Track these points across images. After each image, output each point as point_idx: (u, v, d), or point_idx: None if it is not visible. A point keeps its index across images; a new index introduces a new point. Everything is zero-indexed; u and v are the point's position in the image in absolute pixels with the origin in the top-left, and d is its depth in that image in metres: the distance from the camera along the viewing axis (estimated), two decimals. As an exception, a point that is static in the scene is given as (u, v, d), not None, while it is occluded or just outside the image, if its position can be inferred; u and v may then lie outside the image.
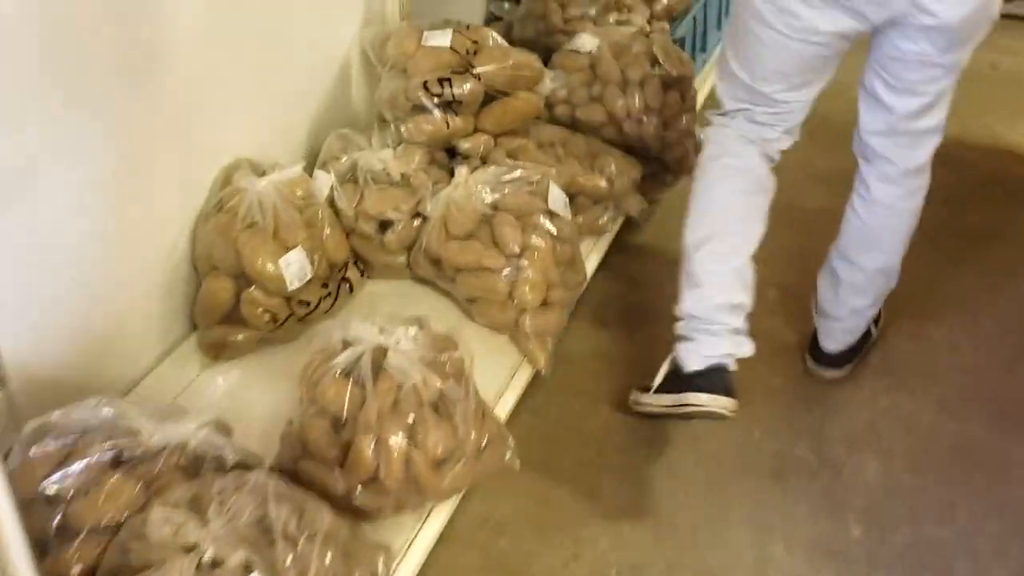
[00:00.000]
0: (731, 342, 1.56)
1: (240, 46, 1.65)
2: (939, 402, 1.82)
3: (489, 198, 1.66)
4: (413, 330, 1.28)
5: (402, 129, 1.75)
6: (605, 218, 1.91)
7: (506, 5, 2.48)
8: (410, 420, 1.22)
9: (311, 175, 1.75)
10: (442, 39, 1.79)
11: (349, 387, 1.23)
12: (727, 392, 1.52)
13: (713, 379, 1.53)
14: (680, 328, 1.59)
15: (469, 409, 1.28)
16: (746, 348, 1.58)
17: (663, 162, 2.01)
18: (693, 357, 1.55)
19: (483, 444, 1.33)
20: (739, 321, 1.58)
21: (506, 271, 1.60)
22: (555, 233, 1.65)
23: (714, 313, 1.55)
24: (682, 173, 2.03)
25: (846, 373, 1.87)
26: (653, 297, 2.09)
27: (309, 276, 1.57)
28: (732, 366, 1.56)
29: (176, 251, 1.60)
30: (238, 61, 1.66)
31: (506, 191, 1.67)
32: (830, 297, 1.80)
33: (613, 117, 1.95)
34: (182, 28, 1.50)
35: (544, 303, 1.62)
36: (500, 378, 1.60)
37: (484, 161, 1.82)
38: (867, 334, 1.89)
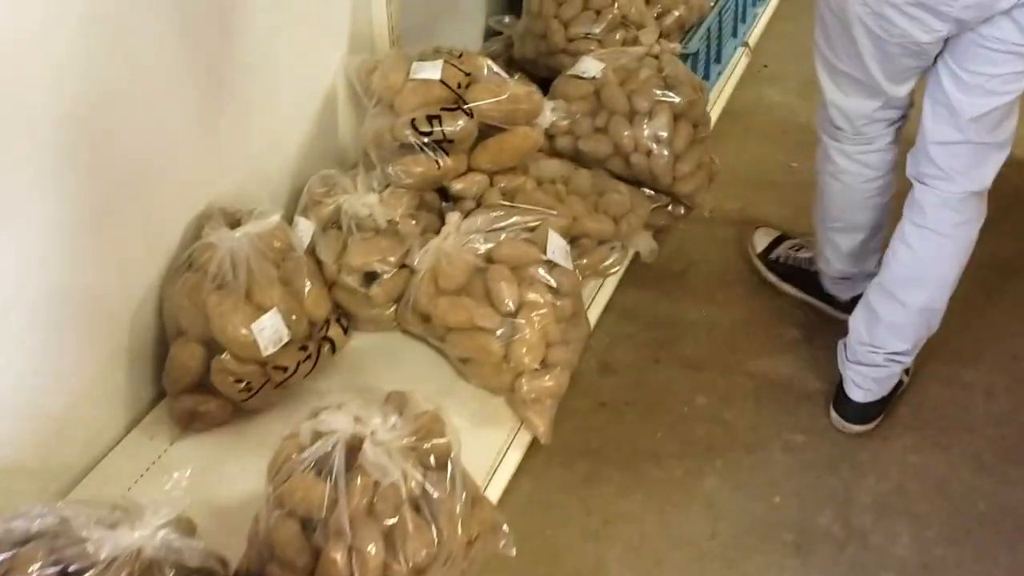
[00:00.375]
0: None
1: (212, 79, 1.52)
2: (975, 459, 1.68)
3: (482, 248, 1.52)
4: (392, 418, 1.15)
5: (388, 171, 1.61)
6: (611, 259, 1.77)
7: (506, 19, 2.34)
8: (388, 524, 1.09)
9: (292, 221, 1.62)
10: (432, 71, 1.65)
11: (320, 486, 1.10)
12: None
13: None
14: None
15: (455, 504, 1.15)
16: None
17: (675, 195, 1.87)
18: None
19: (473, 536, 1.20)
20: None
21: (500, 331, 1.46)
22: (554, 286, 1.51)
23: None
24: (695, 207, 1.89)
25: (873, 427, 1.73)
26: (668, 335, 1.95)
27: (286, 339, 1.44)
28: None
29: (143, 311, 1.48)
30: (210, 96, 1.52)
31: (501, 239, 1.54)
32: (863, 338, 1.68)
33: (619, 149, 1.81)
34: (147, 60, 1.37)
35: (543, 363, 1.49)
36: (496, 445, 1.47)
37: (479, 203, 1.68)
38: (898, 383, 1.75)
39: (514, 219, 1.57)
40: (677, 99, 1.79)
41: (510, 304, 1.46)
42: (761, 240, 2.13)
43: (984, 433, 1.72)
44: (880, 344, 1.67)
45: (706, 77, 2.48)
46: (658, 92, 1.79)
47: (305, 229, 1.61)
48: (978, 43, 1.41)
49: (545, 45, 2.08)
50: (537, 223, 1.57)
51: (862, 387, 1.71)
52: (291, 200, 1.71)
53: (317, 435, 1.13)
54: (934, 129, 1.53)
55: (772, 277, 2.07)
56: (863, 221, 1.82)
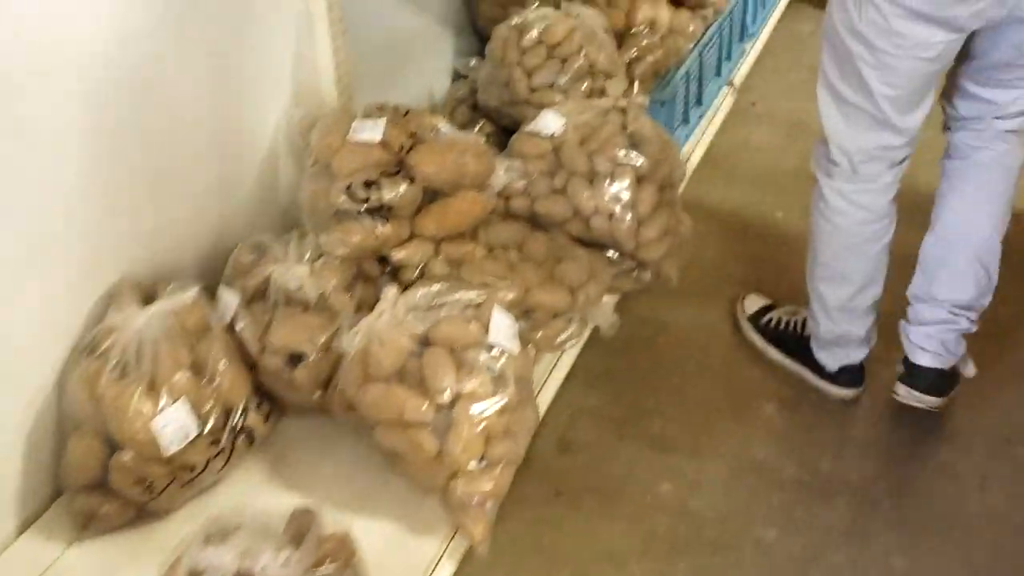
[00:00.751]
0: None
1: (130, 133, 1.39)
2: (966, 563, 1.52)
3: (419, 327, 1.38)
4: (285, 552, 1.00)
5: (321, 240, 1.47)
6: (568, 333, 1.62)
7: (472, 62, 2.20)
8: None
9: (216, 294, 1.48)
10: (372, 132, 1.51)
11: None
12: None
13: None
14: None
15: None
16: None
17: (640, 262, 1.72)
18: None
19: None
20: None
21: (435, 426, 1.32)
22: (498, 373, 1.37)
23: None
24: (661, 275, 1.74)
25: (945, 404, 1.74)
26: (634, 409, 1.81)
27: (193, 435, 1.30)
28: None
29: (40, 399, 1.34)
30: (122, 155, 1.39)
31: (441, 317, 1.40)
32: (923, 294, 1.70)
33: (579, 212, 1.67)
34: (49, 111, 1.24)
35: (483, 459, 1.34)
36: (428, 555, 1.32)
37: (422, 272, 1.54)
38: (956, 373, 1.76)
39: (457, 295, 1.43)
40: (641, 160, 1.64)
41: (446, 395, 1.32)
42: (753, 304, 1.99)
43: (977, 532, 1.57)
44: (943, 296, 1.67)
45: (686, 121, 2.34)
46: (621, 152, 1.65)
47: (229, 302, 1.47)
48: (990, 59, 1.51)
49: (508, 95, 1.94)
50: (482, 299, 1.43)
51: (929, 350, 1.70)
52: (219, 270, 1.57)
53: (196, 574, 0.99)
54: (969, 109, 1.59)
55: (758, 340, 1.93)
56: (854, 270, 1.70)
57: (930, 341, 1.70)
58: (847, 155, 1.60)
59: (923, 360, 1.71)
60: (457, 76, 2.27)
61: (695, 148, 2.39)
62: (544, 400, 1.64)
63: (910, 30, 1.41)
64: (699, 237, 2.15)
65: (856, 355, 1.80)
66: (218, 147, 1.59)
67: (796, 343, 1.86)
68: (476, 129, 2.07)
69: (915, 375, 1.73)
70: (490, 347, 1.39)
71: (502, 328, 1.42)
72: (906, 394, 1.74)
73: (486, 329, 1.40)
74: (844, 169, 1.62)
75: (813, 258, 1.75)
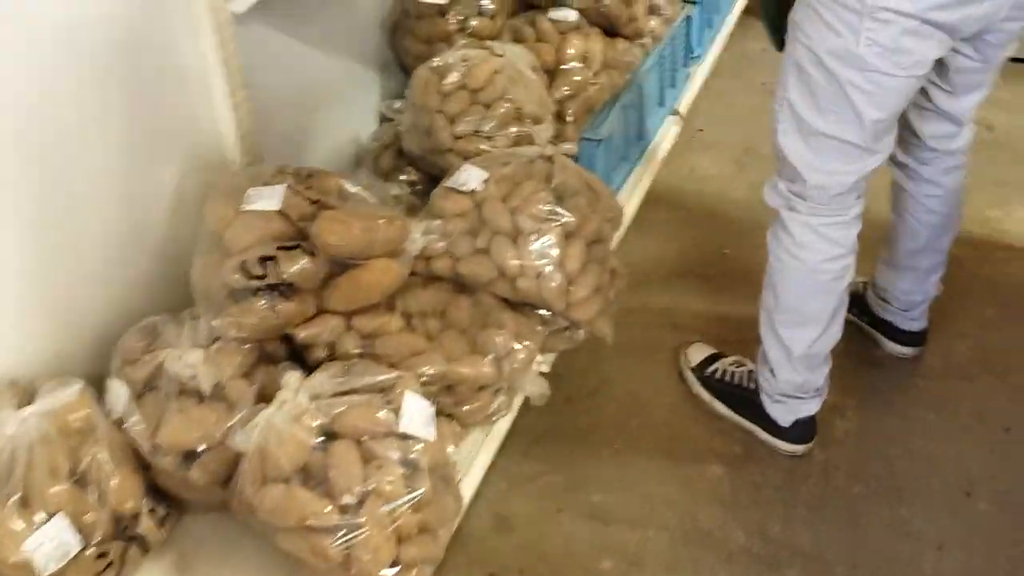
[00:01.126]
0: None
1: (8, 206, 1.27)
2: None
3: (323, 418, 1.27)
4: None
5: (214, 323, 1.35)
6: (495, 406, 1.52)
7: (396, 104, 2.09)
8: None
9: (103, 387, 1.36)
10: (269, 200, 1.39)
11: None
12: None
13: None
14: None
15: None
16: None
17: (571, 321, 1.62)
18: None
19: None
20: None
21: (340, 532, 1.20)
22: (412, 464, 1.26)
23: None
24: (594, 333, 1.64)
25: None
26: (574, 475, 1.70)
27: (75, 551, 1.18)
28: None
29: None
30: (4, 231, 1.27)
31: (347, 404, 1.28)
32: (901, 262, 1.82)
33: (504, 273, 1.56)
34: None
35: (396, 564, 1.23)
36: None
37: (332, 351, 1.43)
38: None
39: (366, 378, 1.32)
40: (566, 216, 1.54)
41: (350, 496, 1.20)
42: (697, 354, 1.89)
43: (936, 603, 1.48)
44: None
45: (625, 159, 2.24)
46: (545, 208, 1.54)
47: (118, 396, 1.35)
48: (963, 66, 1.51)
49: (430, 143, 1.83)
50: (393, 382, 1.32)
51: (917, 317, 1.89)
52: (107, 359, 1.44)
53: None
54: (930, 130, 1.65)
55: (704, 394, 1.83)
56: (819, 311, 1.60)
57: (917, 307, 1.86)
58: (821, 188, 1.50)
59: (915, 326, 1.89)
60: (384, 118, 2.16)
61: (636, 186, 2.27)
62: (476, 474, 1.54)
63: (915, 46, 1.35)
64: (641, 282, 2.06)
65: (812, 407, 1.70)
66: (111, 220, 1.47)
67: (744, 397, 1.77)
68: (402, 178, 1.96)
69: (902, 335, 1.90)
70: (403, 436, 1.28)
71: (416, 413, 1.30)
72: (894, 349, 1.92)
73: (398, 415, 1.29)
74: (812, 202, 1.52)
75: (773, 303, 1.63)
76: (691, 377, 1.86)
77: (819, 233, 1.54)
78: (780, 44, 1.55)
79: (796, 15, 1.44)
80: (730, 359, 1.84)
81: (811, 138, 1.47)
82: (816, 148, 1.47)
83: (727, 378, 1.81)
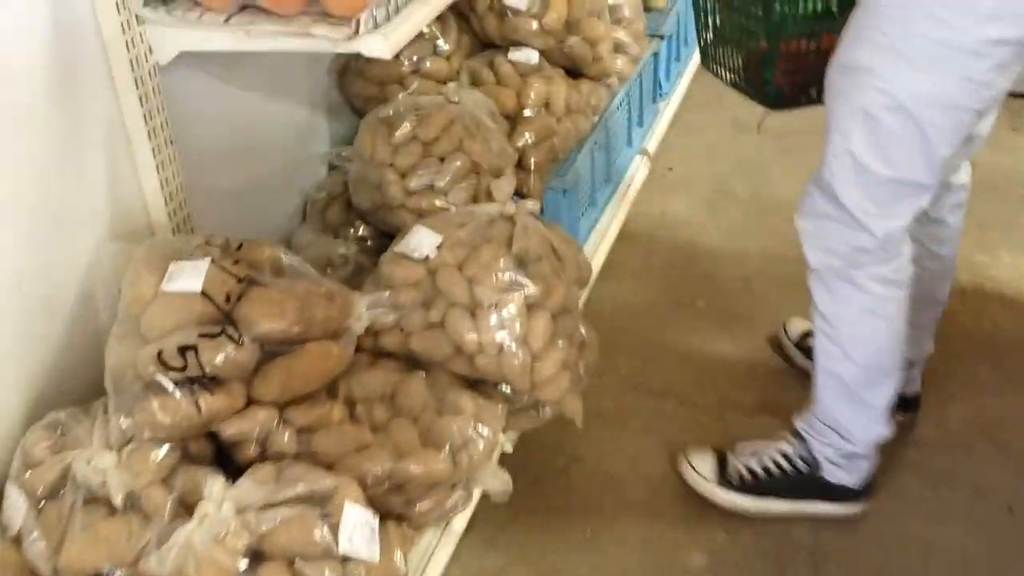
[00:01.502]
0: None
1: None
2: None
3: (249, 537, 1.10)
4: None
5: (124, 422, 1.18)
6: (451, 502, 1.35)
7: (346, 151, 1.93)
8: None
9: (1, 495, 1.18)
10: (191, 279, 1.22)
11: None
12: None
13: None
14: None
15: None
16: None
17: (536, 401, 1.46)
18: None
19: None
20: None
21: (267, 674, 1.03)
22: (353, 588, 1.10)
23: None
24: (560, 412, 1.48)
25: None
26: (543, 569, 1.55)
27: None
28: None
29: None
30: None
31: (277, 522, 1.11)
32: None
33: (461, 350, 1.40)
34: None
35: None
36: None
37: (264, 448, 1.26)
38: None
39: (299, 486, 1.15)
40: (529, 286, 1.39)
41: (281, 632, 1.04)
42: (704, 462, 1.66)
43: None
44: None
45: (592, 204, 2.10)
46: (506, 276, 1.39)
47: (15, 507, 1.17)
48: None
49: (381, 197, 1.67)
50: (332, 490, 1.16)
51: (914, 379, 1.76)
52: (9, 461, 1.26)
53: None
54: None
55: (746, 502, 1.61)
56: (899, 356, 1.52)
57: (913, 369, 1.73)
58: (888, 236, 1.40)
59: (909, 390, 1.74)
60: (332, 167, 2.00)
61: (605, 233, 2.13)
62: (434, 572, 1.38)
63: (1000, 81, 1.29)
64: (610, 340, 1.91)
65: (877, 457, 1.59)
66: (15, 294, 1.29)
67: (798, 482, 1.59)
68: (351, 232, 1.80)
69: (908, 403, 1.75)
70: (342, 559, 1.11)
71: (357, 529, 1.14)
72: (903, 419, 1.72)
73: (337, 532, 1.13)
74: (879, 250, 1.41)
75: (851, 371, 1.49)
76: (722, 493, 1.63)
77: (895, 281, 1.45)
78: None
79: (862, 59, 1.30)
80: (743, 451, 1.65)
81: (875, 185, 1.36)
82: (876, 195, 1.37)
83: (770, 471, 1.61)
